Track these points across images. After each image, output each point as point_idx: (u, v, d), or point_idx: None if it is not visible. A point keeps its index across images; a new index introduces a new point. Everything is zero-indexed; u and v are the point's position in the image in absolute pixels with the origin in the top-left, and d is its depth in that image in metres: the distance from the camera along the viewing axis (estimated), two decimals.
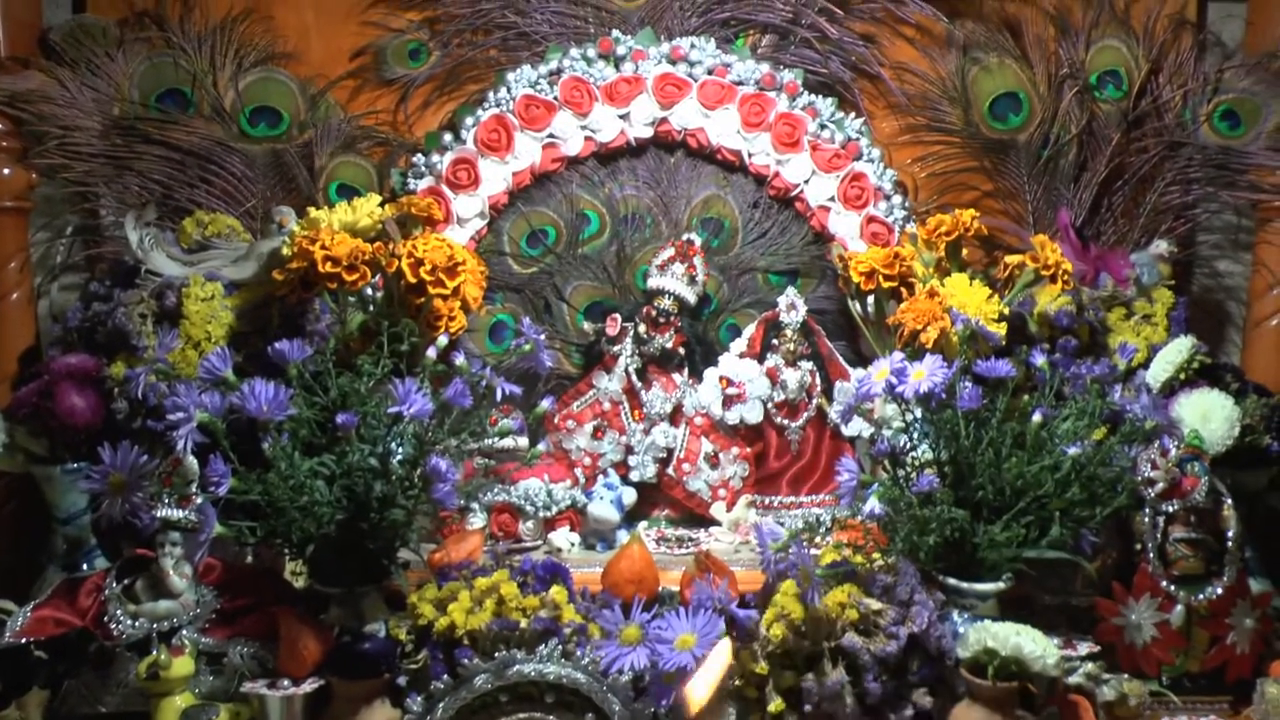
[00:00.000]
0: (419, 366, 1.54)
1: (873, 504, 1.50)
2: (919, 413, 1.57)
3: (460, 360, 1.52)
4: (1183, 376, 1.80)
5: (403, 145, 2.03)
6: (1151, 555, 1.65)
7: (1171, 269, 1.98)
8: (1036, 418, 1.54)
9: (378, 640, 1.50)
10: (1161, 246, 1.98)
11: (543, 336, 1.63)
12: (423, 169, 1.96)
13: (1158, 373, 1.81)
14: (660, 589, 1.60)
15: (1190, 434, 1.67)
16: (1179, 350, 1.80)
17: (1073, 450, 1.54)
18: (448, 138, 1.96)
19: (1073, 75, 2.03)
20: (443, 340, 1.59)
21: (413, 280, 1.64)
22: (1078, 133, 2.03)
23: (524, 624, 1.44)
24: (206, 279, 1.83)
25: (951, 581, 1.53)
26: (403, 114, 2.05)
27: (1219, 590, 1.63)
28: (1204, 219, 2.09)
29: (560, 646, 1.44)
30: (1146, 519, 1.65)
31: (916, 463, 1.57)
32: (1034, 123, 2.05)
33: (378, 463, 1.42)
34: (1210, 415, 1.73)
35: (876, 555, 1.54)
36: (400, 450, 1.47)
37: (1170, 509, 1.65)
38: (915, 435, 1.57)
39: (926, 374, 1.52)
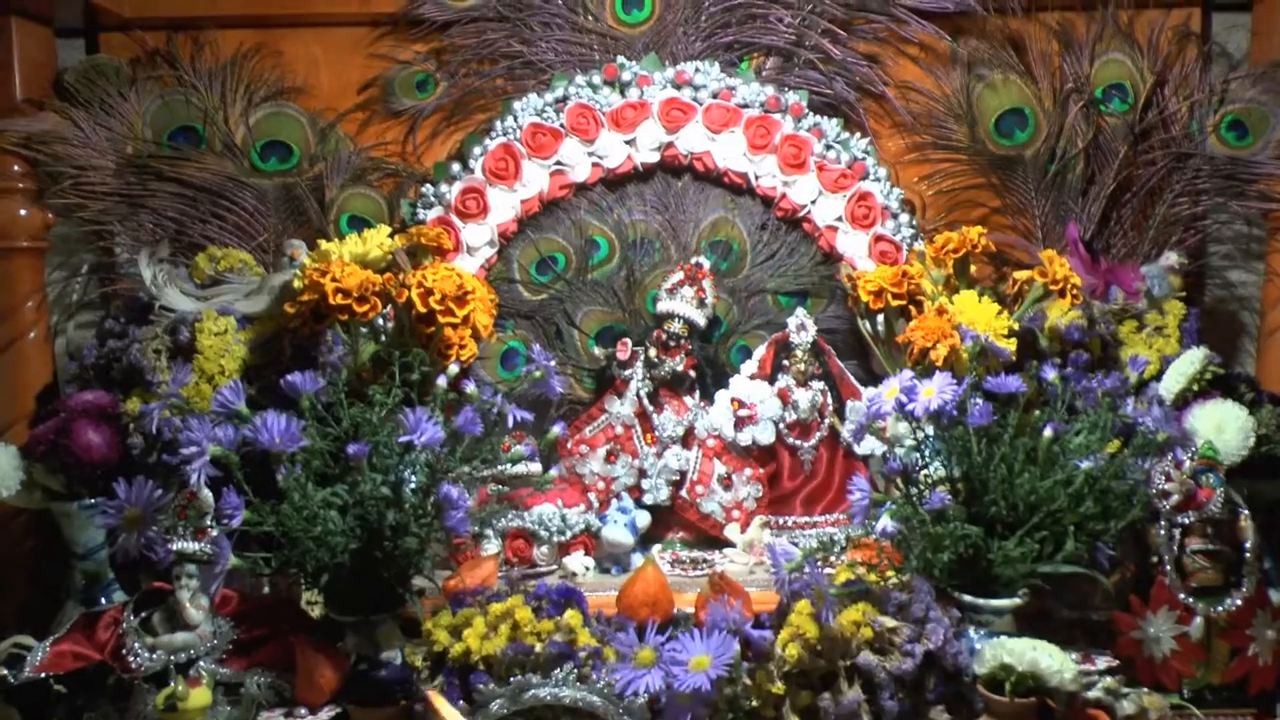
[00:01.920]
0: (430, 395, 1.55)
1: (885, 522, 1.49)
2: (930, 430, 1.57)
3: (471, 388, 1.53)
4: (1195, 388, 1.79)
5: (412, 176, 2.04)
6: (1168, 568, 1.64)
7: (1182, 280, 1.97)
8: (1048, 432, 1.54)
9: (394, 667, 1.52)
10: (1171, 258, 1.97)
11: (553, 363, 1.63)
12: (432, 199, 1.98)
13: (1170, 384, 1.80)
14: (675, 611, 1.60)
15: (1204, 445, 1.66)
16: (1191, 362, 1.79)
17: (1085, 464, 1.53)
18: (456, 167, 1.98)
19: (1078, 90, 2.04)
20: (454, 369, 1.60)
21: (422, 310, 1.65)
22: (1084, 147, 2.03)
23: (539, 648, 1.45)
24: (219, 313, 1.85)
25: (967, 598, 1.52)
26: (411, 145, 2.06)
27: (1238, 601, 1.62)
28: (1214, 230, 2.08)
29: (575, 670, 1.44)
30: (1162, 532, 1.64)
31: (929, 480, 1.57)
32: (1040, 138, 2.05)
33: (390, 492, 1.42)
34: (1224, 426, 1.72)
35: (890, 573, 1.54)
36: (414, 479, 1.48)
37: (1186, 521, 1.64)
38: (927, 453, 1.57)
39: (936, 391, 1.52)
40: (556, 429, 1.61)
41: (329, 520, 1.45)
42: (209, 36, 2.04)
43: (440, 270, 1.68)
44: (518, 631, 1.46)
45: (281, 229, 2.05)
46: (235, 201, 2.04)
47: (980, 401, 1.58)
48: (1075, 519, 1.54)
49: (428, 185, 1.99)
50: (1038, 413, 1.59)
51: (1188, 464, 1.65)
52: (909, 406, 1.53)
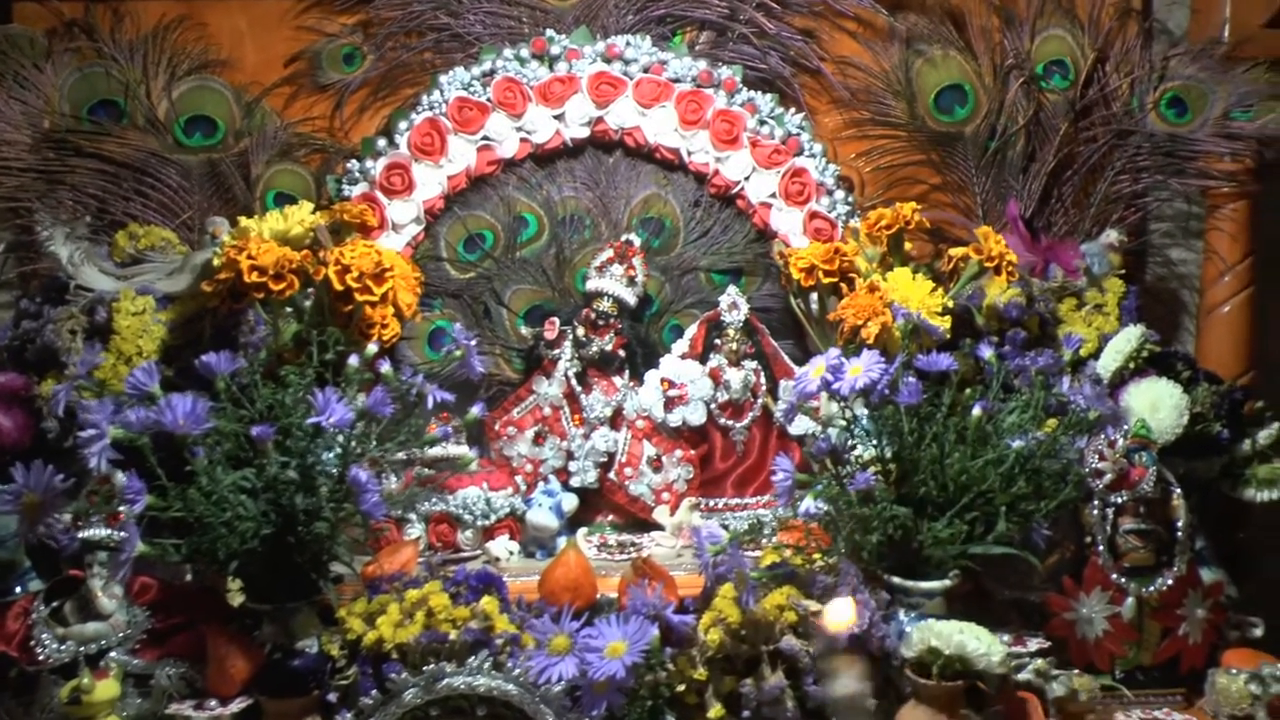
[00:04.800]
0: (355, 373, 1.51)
1: (809, 504, 1.46)
2: (862, 410, 1.54)
3: (386, 368, 1.49)
4: (1132, 366, 1.77)
5: (340, 151, 1.99)
6: (1101, 548, 1.62)
7: (1122, 258, 1.95)
8: (977, 411, 1.51)
9: (307, 657, 1.47)
10: (1112, 236, 1.95)
11: (474, 342, 1.59)
12: (357, 175, 1.93)
13: (1108, 362, 1.78)
14: (599, 596, 1.56)
15: (1137, 424, 1.64)
16: (1128, 339, 1.77)
17: (1017, 443, 1.51)
18: (382, 143, 1.93)
19: (1018, 66, 2.01)
20: (371, 348, 1.55)
21: (340, 288, 1.61)
22: (1025, 124, 2.01)
23: (454, 636, 1.41)
24: (139, 293, 1.80)
25: (896, 580, 1.50)
26: (339, 120, 2.01)
27: (1169, 581, 1.61)
28: (1155, 207, 2.07)
29: (492, 658, 1.41)
30: (1095, 511, 1.63)
31: (859, 461, 1.54)
32: (980, 115, 2.02)
33: (298, 475, 1.38)
34: (1159, 404, 1.70)
35: (817, 556, 1.51)
36: (332, 462, 1.44)
37: (1119, 500, 1.63)
38: (856, 432, 1.54)
39: (863, 370, 1.49)
40: (475, 410, 1.56)
41: (239, 505, 1.41)
42: (129, 7, 1.98)
43: (358, 247, 1.63)
44: (433, 619, 1.42)
45: (207, 207, 2.00)
46: (159, 178, 1.98)
47: (911, 380, 1.55)
48: (1006, 499, 1.51)
49: (353, 161, 1.94)
50: (969, 391, 1.56)
51: (1121, 443, 1.63)
52: (835, 385, 1.49)
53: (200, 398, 1.41)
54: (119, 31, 1.97)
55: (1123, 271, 1.93)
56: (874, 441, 1.53)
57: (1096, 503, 1.62)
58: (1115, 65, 2.01)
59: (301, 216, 1.74)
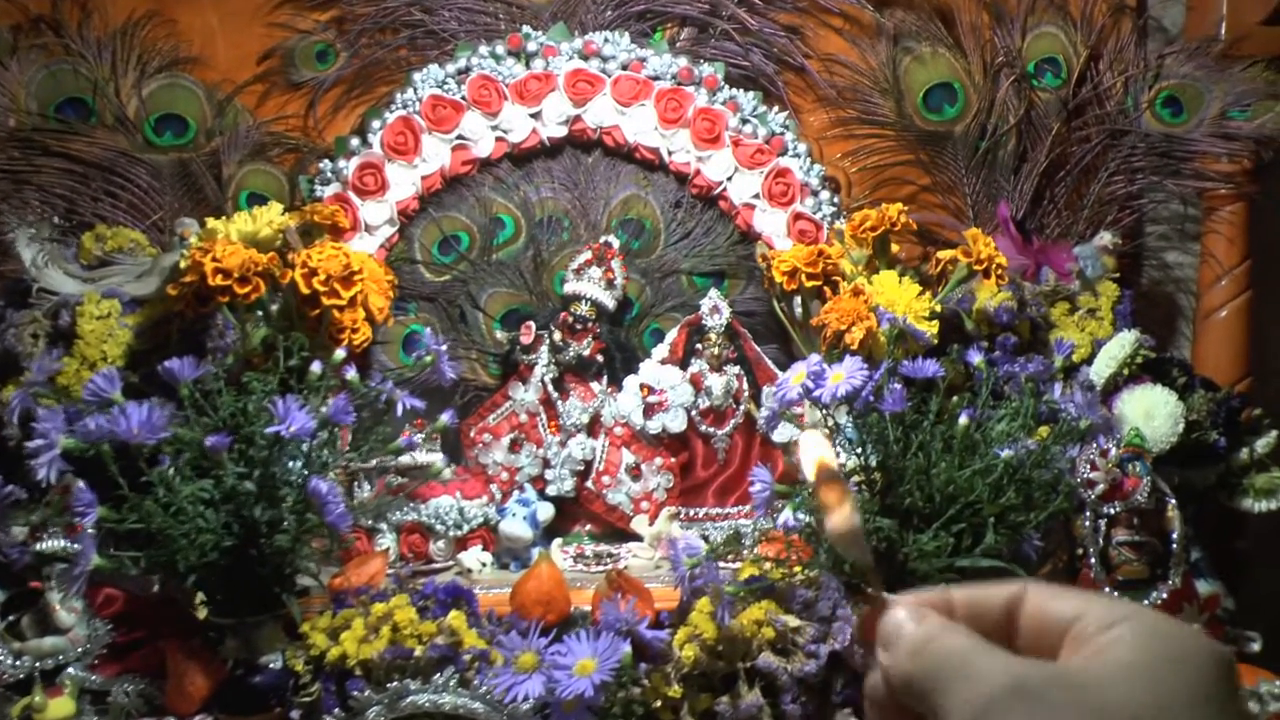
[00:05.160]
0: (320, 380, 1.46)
1: (787, 515, 1.41)
2: (844, 418, 1.50)
3: (351, 374, 1.44)
4: (1126, 372, 1.72)
5: (314, 151, 1.93)
6: (1093, 560, 1.57)
7: (1117, 261, 1.90)
8: (963, 420, 1.46)
9: (270, 673, 1.42)
10: (1106, 238, 1.90)
11: (444, 348, 1.54)
12: (329, 175, 1.87)
13: (1101, 369, 1.73)
14: (573, 610, 1.51)
15: (1131, 433, 1.59)
16: (1121, 345, 1.72)
17: (1006, 453, 1.45)
18: (355, 142, 1.88)
19: (1009, 64, 1.96)
20: (339, 354, 1.50)
21: (306, 291, 1.56)
22: (1016, 123, 1.95)
23: (419, 652, 1.36)
24: (105, 296, 1.75)
25: (886, 596, 1.43)
26: (313, 119, 1.96)
27: (1164, 595, 1.56)
28: (1150, 209, 2.01)
29: (458, 675, 1.36)
30: (1087, 522, 1.58)
31: (843, 470, 1.49)
32: (970, 114, 1.97)
33: (255, 486, 1.33)
34: (1153, 412, 1.65)
35: (798, 569, 1.46)
36: (297, 472, 1.39)
37: (1112, 511, 1.58)
38: (839, 441, 1.49)
39: (845, 376, 1.43)
40: (445, 418, 1.51)
41: (199, 517, 1.36)
42: (98, 2, 1.92)
43: (326, 250, 1.58)
44: (398, 634, 1.38)
45: (178, 207, 1.94)
46: (128, 178, 1.93)
47: (897, 387, 1.50)
48: (994, 510, 1.45)
49: (326, 161, 1.89)
50: (955, 399, 1.51)
51: (1114, 452, 1.58)
52: (816, 392, 1.44)
53: (157, 405, 1.36)
54: (87, 27, 1.92)
55: (1117, 275, 1.88)
56: (858, 450, 1.48)
57: (1089, 514, 1.58)
58: (1109, 63, 1.96)
59: (270, 218, 1.70)
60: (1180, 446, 1.67)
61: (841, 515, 0.49)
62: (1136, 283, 2.01)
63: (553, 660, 1.30)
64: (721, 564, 1.56)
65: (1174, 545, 1.57)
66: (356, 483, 1.75)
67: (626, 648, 1.34)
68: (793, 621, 1.40)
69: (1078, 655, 0.38)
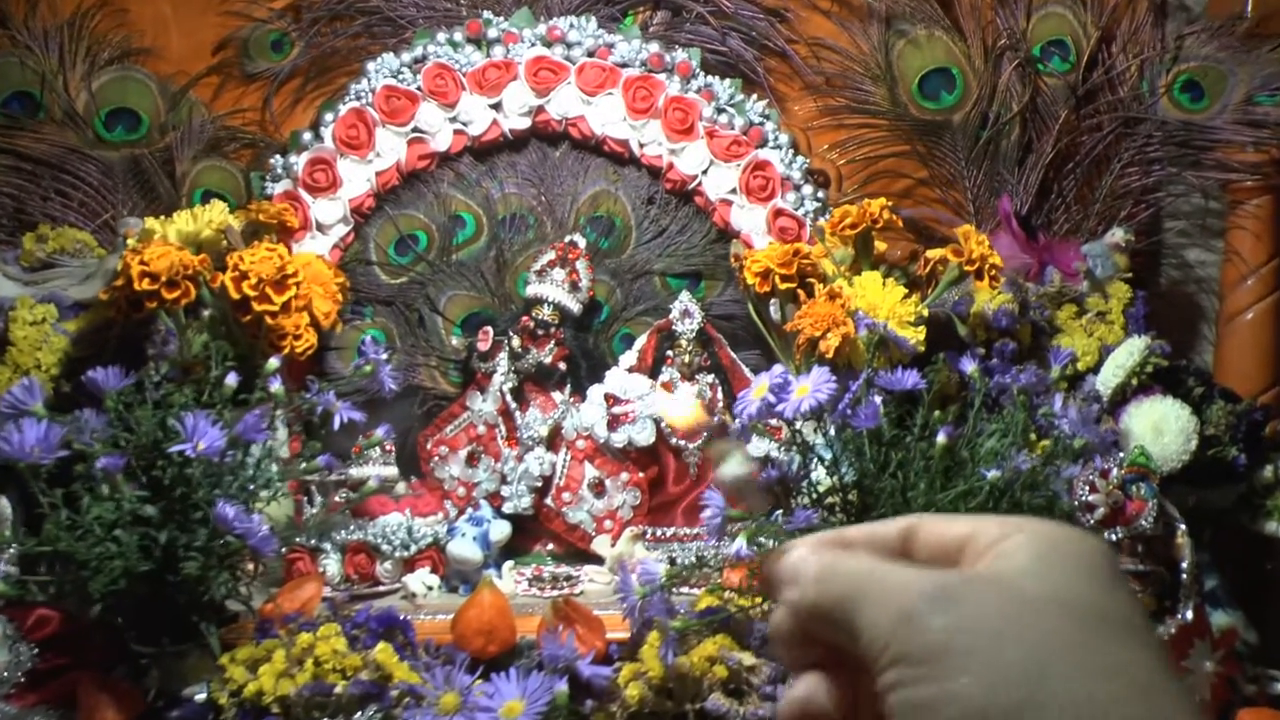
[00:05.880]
0: (252, 393, 1.36)
1: (739, 545, 1.28)
2: (816, 435, 1.37)
3: (275, 386, 1.33)
4: (1135, 382, 1.57)
5: (271, 146, 1.83)
6: None
7: (1130, 260, 1.75)
8: (941, 438, 1.32)
9: (189, 706, 1.33)
10: (1117, 235, 1.75)
11: (385, 356, 1.43)
12: (280, 171, 1.77)
13: (1107, 378, 1.59)
14: (520, 640, 1.39)
15: (1135, 452, 1.45)
16: (1129, 353, 1.57)
17: (992, 474, 1.32)
18: (308, 136, 1.77)
19: (1013, 47, 1.81)
20: (273, 363, 1.40)
21: (236, 296, 1.46)
22: (1020, 110, 1.80)
23: (340, 688, 1.26)
24: (43, 300, 1.67)
25: None
26: (269, 113, 1.85)
27: (1172, 630, 1.41)
28: (1168, 203, 1.85)
29: (383, 713, 1.25)
30: None
31: (814, 491, 1.37)
32: (970, 101, 1.82)
33: (157, 510, 1.23)
34: (1163, 427, 1.51)
35: (755, 600, 1.33)
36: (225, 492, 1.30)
37: (1113, 538, 1.43)
38: (802, 460, 1.37)
39: (811, 389, 1.30)
40: (379, 432, 1.41)
41: (109, 540, 1.27)
42: None
43: (259, 251, 1.48)
44: (320, 668, 1.27)
45: (131, 206, 1.85)
46: (79, 176, 1.85)
47: (876, 400, 1.37)
48: None
49: (277, 156, 1.78)
50: (937, 414, 1.37)
51: (1116, 472, 1.43)
52: (779, 407, 1.31)
53: (54, 422, 1.27)
54: (34, 18, 1.83)
55: (1130, 275, 1.73)
56: (827, 470, 1.35)
57: None
58: (1122, 45, 1.80)
59: (211, 217, 1.61)
60: (1196, 464, 1.52)
61: (732, 464, 0.49)
62: (1154, 283, 1.85)
63: (476, 702, 1.19)
64: (686, 589, 1.44)
65: (1184, 575, 1.42)
66: (307, 498, 1.65)
67: (561, 687, 1.23)
68: (748, 659, 1.28)
69: (974, 565, 0.40)
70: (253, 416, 1.25)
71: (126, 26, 1.86)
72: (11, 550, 1.38)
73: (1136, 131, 1.81)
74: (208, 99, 1.86)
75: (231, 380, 1.30)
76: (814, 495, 1.38)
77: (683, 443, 1.68)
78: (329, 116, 1.76)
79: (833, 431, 1.37)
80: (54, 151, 1.84)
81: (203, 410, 1.26)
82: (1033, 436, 1.50)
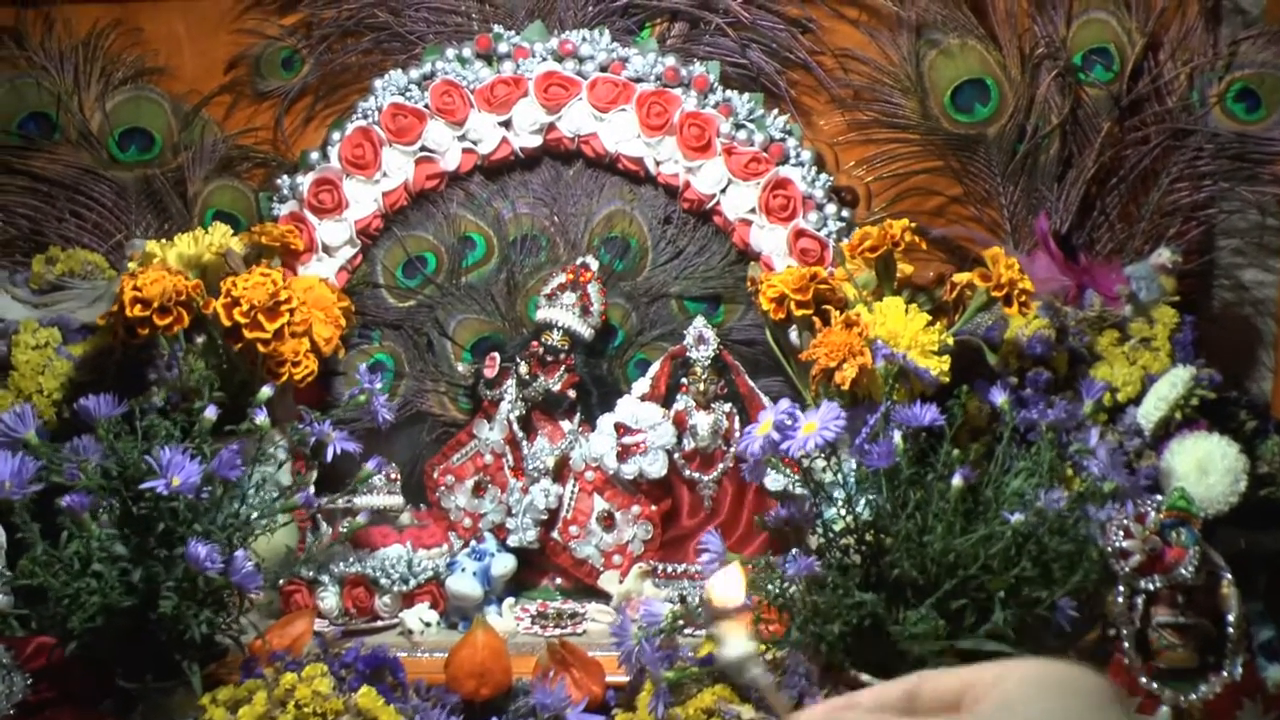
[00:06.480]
0: (244, 425, 1.32)
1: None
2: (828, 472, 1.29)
3: (261, 418, 1.29)
4: (1178, 415, 1.47)
5: (283, 166, 1.80)
6: (1127, 644, 1.32)
7: (1177, 282, 1.63)
8: (957, 481, 1.23)
9: None
10: (1164, 255, 1.63)
11: (379, 385, 1.38)
12: (286, 192, 1.73)
13: (1149, 411, 1.48)
14: (516, 682, 1.34)
15: (1174, 494, 1.34)
16: (1172, 384, 1.47)
17: (1015, 517, 1.23)
18: (315, 156, 1.73)
19: (1051, 55, 1.70)
20: (265, 391, 1.36)
21: (227, 323, 1.42)
22: (1059, 123, 1.70)
23: None
24: (48, 324, 1.65)
25: (865, 678, 1.23)
26: (280, 132, 1.82)
27: (1218, 688, 1.30)
28: (1221, 220, 1.73)
29: None
30: (1120, 599, 1.33)
31: (827, 533, 1.29)
32: (1006, 113, 1.72)
33: (127, 548, 1.20)
34: (1208, 466, 1.40)
35: (762, 646, 1.25)
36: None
37: (1151, 587, 1.32)
38: (819, 501, 1.29)
39: (819, 426, 1.22)
40: (370, 465, 1.36)
41: (88, 575, 1.24)
42: (61, 12, 1.83)
43: (254, 276, 1.44)
44: (300, 712, 1.22)
45: (145, 227, 1.84)
46: (93, 197, 1.84)
47: (895, 435, 1.29)
48: (1001, 585, 1.23)
49: (284, 177, 1.75)
50: (956, 452, 1.28)
51: (1153, 516, 1.33)
52: (784, 445, 1.23)
53: (40, 453, 1.25)
54: (50, 39, 1.82)
55: (1178, 298, 1.61)
56: (838, 510, 1.27)
57: (1121, 589, 1.33)
58: (1171, 52, 1.69)
59: (213, 240, 1.57)
60: (1248, 505, 1.41)
61: (733, 644, 0.52)
62: (1205, 307, 1.74)
63: None
64: (689, 632, 1.37)
65: (1230, 629, 1.31)
66: (314, 527, 1.61)
67: None
68: (747, 713, 1.20)
69: (978, 707, 0.42)
70: (228, 452, 1.20)
71: (140, 46, 1.84)
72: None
73: (1186, 144, 1.69)
74: (220, 118, 1.84)
75: (211, 413, 1.25)
76: (827, 536, 1.30)
77: (697, 474, 1.60)
78: (336, 136, 1.72)
79: (849, 468, 1.30)
80: (69, 172, 1.83)
81: (185, 443, 1.23)
82: (1069, 473, 1.41)
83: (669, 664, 1.26)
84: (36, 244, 1.82)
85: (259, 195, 1.79)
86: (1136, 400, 1.53)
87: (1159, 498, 1.33)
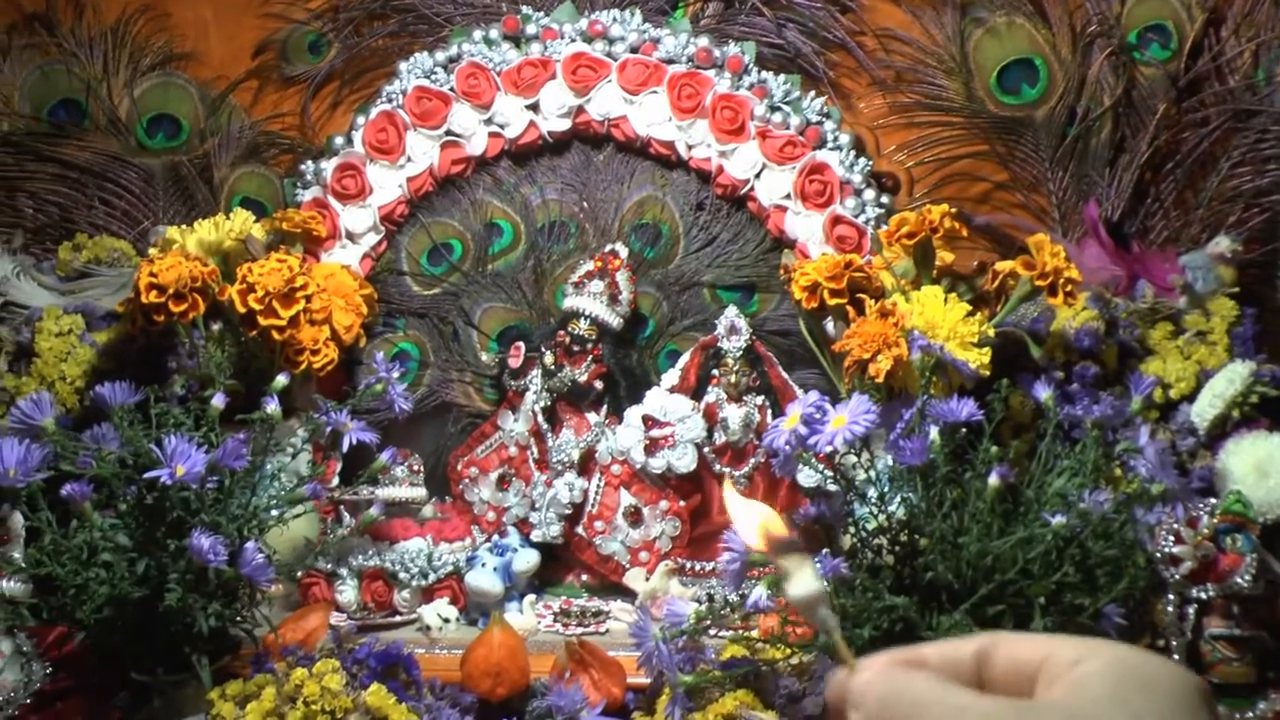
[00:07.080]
0: (256, 414, 1.30)
1: (759, 594, 1.15)
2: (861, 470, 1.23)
3: (272, 407, 1.26)
4: (1236, 414, 1.39)
5: (309, 152, 1.76)
6: (1176, 655, 1.25)
7: (1237, 272, 1.55)
8: (993, 480, 1.17)
9: None
10: (1222, 244, 1.55)
11: (396, 375, 1.35)
12: (310, 178, 1.70)
13: (1204, 409, 1.41)
14: (534, 681, 1.30)
15: (1230, 497, 1.26)
16: (1230, 381, 1.39)
17: (1056, 519, 1.16)
18: (339, 141, 1.70)
19: (1105, 33, 1.63)
20: (280, 380, 1.33)
21: (243, 310, 1.39)
22: (1112, 104, 1.63)
23: None
24: (73, 310, 1.64)
25: None
26: (307, 117, 1.79)
27: (1277, 707, 1.23)
28: None
29: None
30: (1170, 608, 1.26)
31: (860, 532, 1.23)
32: (1055, 95, 1.65)
33: (129, 539, 1.17)
34: (1268, 468, 1.33)
35: (788, 651, 1.20)
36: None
37: (1204, 596, 1.25)
38: (851, 499, 1.24)
39: (848, 420, 1.17)
40: (384, 457, 1.32)
41: (97, 565, 1.22)
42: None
43: (269, 263, 1.41)
44: (308, 709, 1.19)
45: (173, 214, 1.82)
46: (121, 184, 1.82)
47: (932, 432, 1.23)
48: (1041, 591, 1.17)
49: (308, 162, 1.71)
50: (995, 449, 1.22)
51: (1206, 520, 1.25)
52: (812, 440, 1.18)
53: (37, 443, 1.23)
54: (79, 25, 1.81)
55: (1237, 289, 1.53)
56: (870, 509, 1.22)
57: (1172, 597, 1.26)
58: (1234, 28, 1.61)
59: (233, 226, 1.55)
60: None
61: (800, 581, 0.47)
62: (1268, 298, 1.64)
63: None
64: (714, 633, 1.32)
65: None
66: (337, 518, 1.58)
67: None
68: (766, 718, 1.15)
69: (1049, 692, 0.39)
70: (233, 441, 1.17)
71: (168, 31, 1.82)
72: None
73: (1249, 126, 1.61)
74: (247, 104, 1.81)
75: (219, 401, 1.23)
76: (860, 536, 1.25)
77: (728, 469, 1.55)
78: (360, 120, 1.69)
79: (883, 465, 1.25)
80: (98, 159, 1.81)
81: (194, 432, 1.21)
82: (1116, 473, 1.34)
83: (690, 667, 1.21)
84: (66, 231, 1.81)
85: (285, 181, 1.77)
86: (1190, 397, 1.46)
87: (1213, 501, 1.26)
